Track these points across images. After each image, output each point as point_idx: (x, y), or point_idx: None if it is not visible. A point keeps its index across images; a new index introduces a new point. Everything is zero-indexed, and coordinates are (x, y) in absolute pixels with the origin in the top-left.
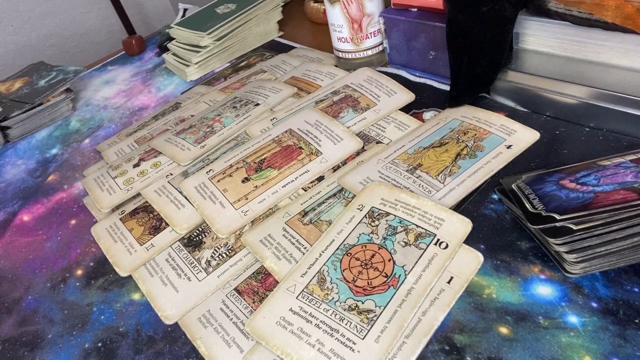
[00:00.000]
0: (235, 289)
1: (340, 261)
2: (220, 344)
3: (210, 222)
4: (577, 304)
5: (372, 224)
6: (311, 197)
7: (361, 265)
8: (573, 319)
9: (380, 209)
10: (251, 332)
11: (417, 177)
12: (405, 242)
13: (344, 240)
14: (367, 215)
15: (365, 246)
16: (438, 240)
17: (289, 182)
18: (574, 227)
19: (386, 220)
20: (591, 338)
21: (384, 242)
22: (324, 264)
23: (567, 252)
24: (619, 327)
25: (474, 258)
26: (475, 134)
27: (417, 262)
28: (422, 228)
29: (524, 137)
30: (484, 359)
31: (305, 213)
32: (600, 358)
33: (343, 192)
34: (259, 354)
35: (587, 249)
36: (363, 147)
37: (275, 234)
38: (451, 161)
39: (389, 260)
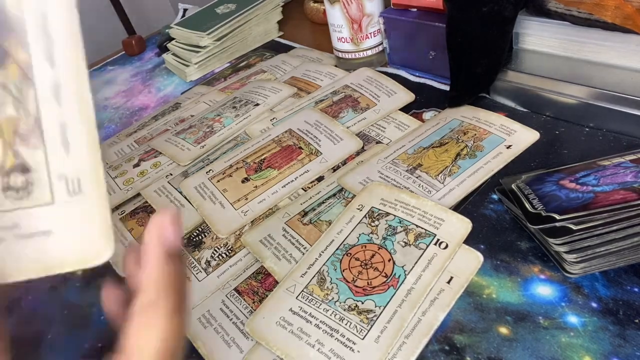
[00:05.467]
0: (235, 289)
1: (340, 261)
2: (220, 344)
3: (210, 222)
4: (577, 304)
5: (372, 224)
6: (311, 197)
7: (361, 266)
8: (573, 319)
9: (380, 209)
10: (251, 332)
11: (416, 177)
12: (405, 242)
13: (343, 241)
14: (366, 216)
15: (365, 246)
16: (438, 240)
17: (289, 182)
18: (574, 227)
19: (386, 221)
20: (591, 338)
21: (384, 242)
22: (324, 264)
23: (566, 252)
24: (619, 327)
25: (473, 258)
26: (475, 134)
27: (417, 262)
28: (422, 228)
29: (524, 137)
30: (483, 359)
31: (305, 213)
32: (600, 358)
33: (343, 192)
34: (258, 354)
35: (586, 249)
36: (363, 147)
37: (275, 234)
38: (451, 161)
39: (389, 261)
